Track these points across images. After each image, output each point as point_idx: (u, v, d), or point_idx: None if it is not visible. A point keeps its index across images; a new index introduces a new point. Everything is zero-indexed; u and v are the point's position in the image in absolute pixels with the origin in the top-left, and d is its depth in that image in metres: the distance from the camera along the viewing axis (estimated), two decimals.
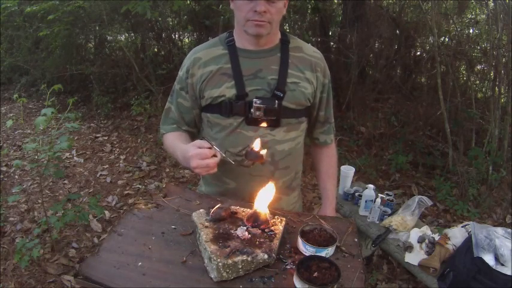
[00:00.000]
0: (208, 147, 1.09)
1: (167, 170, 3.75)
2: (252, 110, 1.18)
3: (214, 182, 1.35)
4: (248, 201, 1.21)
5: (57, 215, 2.40)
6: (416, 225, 2.14)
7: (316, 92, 1.29)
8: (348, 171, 2.44)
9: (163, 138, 1.38)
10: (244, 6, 1.13)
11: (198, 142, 1.12)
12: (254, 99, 1.18)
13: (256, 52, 1.22)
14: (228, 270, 0.87)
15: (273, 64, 1.22)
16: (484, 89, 4.17)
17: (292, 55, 1.24)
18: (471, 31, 4.17)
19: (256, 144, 1.13)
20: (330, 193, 1.44)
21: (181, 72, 1.29)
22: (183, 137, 1.31)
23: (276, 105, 1.18)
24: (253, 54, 1.22)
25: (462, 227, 2.02)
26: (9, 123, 2.26)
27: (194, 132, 1.38)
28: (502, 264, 1.63)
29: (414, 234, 2.03)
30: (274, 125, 1.22)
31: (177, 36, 5.69)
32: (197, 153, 1.08)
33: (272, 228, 1.01)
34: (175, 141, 1.29)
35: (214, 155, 1.09)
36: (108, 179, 3.65)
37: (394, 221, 2.11)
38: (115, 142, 4.50)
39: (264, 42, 1.22)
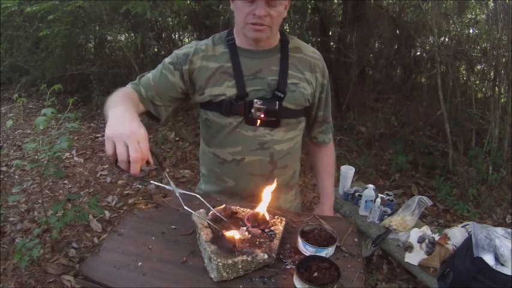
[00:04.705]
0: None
1: (167, 170, 3.75)
2: (252, 111, 1.18)
3: (214, 180, 1.35)
4: (247, 200, 1.21)
5: (57, 215, 2.40)
6: (416, 225, 2.14)
7: (315, 93, 1.29)
8: (348, 171, 2.44)
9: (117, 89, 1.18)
10: (244, 9, 1.11)
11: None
12: (255, 100, 1.18)
13: (256, 52, 1.22)
14: (228, 270, 0.87)
15: (273, 65, 1.22)
16: (484, 89, 4.17)
17: (291, 56, 1.24)
18: (471, 31, 4.17)
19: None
20: (328, 190, 1.46)
21: (178, 52, 1.25)
22: (135, 104, 1.14)
23: (276, 107, 1.19)
24: (254, 54, 1.22)
25: (462, 227, 2.02)
26: (9, 123, 2.26)
27: (159, 109, 1.25)
28: (502, 264, 1.63)
29: (414, 234, 2.03)
30: (273, 125, 1.22)
31: (177, 36, 5.70)
32: (145, 148, 0.89)
33: (272, 228, 1.01)
34: (128, 98, 1.12)
35: (148, 161, 0.92)
36: (108, 179, 3.65)
37: (394, 221, 2.11)
38: None
39: (264, 43, 1.22)
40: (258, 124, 1.21)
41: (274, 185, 1.06)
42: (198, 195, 1.05)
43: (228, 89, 1.19)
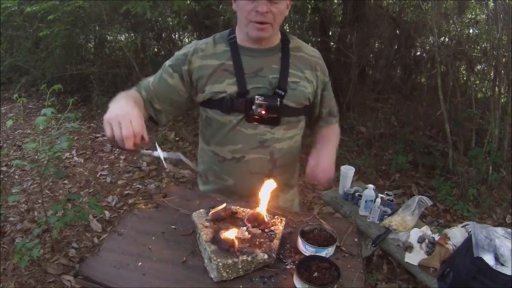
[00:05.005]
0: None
1: (167, 170, 3.75)
2: (253, 107, 1.19)
3: (213, 179, 1.35)
4: (246, 199, 1.21)
5: (57, 215, 2.40)
6: (416, 225, 2.14)
7: (317, 91, 1.30)
8: (348, 171, 2.44)
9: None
10: (246, 7, 1.13)
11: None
12: (256, 96, 1.19)
13: (258, 51, 1.23)
14: (228, 270, 0.87)
15: (274, 63, 1.23)
16: (484, 89, 4.17)
17: (292, 55, 1.25)
18: (471, 31, 4.17)
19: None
20: (330, 140, 1.31)
21: (178, 53, 1.27)
22: (137, 101, 1.18)
23: (278, 103, 1.19)
24: (255, 52, 1.23)
25: (462, 227, 2.02)
26: (9, 123, 2.26)
27: (158, 114, 1.28)
28: (502, 264, 1.63)
29: (414, 234, 2.03)
30: (274, 123, 1.22)
31: (177, 36, 5.70)
32: (137, 125, 0.95)
33: (272, 228, 1.01)
34: (131, 97, 1.17)
35: (143, 137, 0.97)
36: (108, 179, 3.65)
37: (394, 221, 2.11)
38: None
39: (265, 42, 1.23)
40: (258, 122, 1.21)
41: (274, 185, 1.06)
42: (180, 154, 1.07)
43: (228, 86, 1.20)
